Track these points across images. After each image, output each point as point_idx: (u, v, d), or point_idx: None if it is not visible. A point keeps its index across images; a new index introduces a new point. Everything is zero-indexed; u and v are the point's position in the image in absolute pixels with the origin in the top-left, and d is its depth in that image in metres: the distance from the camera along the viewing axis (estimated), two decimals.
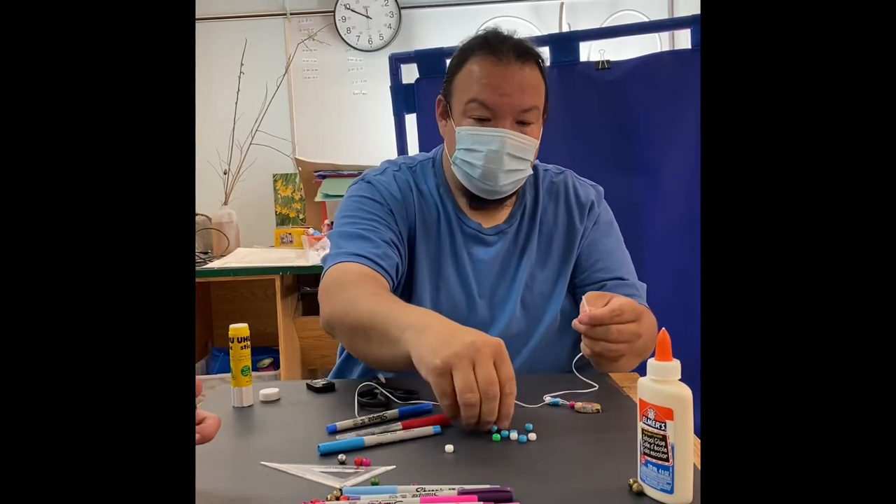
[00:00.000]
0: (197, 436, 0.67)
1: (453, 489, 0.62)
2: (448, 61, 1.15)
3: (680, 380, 0.60)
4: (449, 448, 0.73)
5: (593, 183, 1.24)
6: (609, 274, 1.14)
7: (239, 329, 0.92)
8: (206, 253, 2.73)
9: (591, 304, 0.91)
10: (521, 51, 1.07)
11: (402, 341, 0.84)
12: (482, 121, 1.07)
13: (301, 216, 3.15)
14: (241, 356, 0.91)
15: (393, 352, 0.86)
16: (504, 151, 1.06)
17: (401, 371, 0.90)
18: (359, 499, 0.61)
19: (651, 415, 0.60)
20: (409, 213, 1.13)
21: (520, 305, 1.12)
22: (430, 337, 0.80)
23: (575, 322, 0.92)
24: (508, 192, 1.12)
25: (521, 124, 1.08)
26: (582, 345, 0.93)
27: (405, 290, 1.13)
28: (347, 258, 1.04)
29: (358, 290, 0.98)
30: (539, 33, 3.07)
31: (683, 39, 2.97)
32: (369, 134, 3.20)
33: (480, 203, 1.14)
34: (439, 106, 1.17)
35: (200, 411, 0.70)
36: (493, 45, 1.07)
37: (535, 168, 1.21)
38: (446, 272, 1.13)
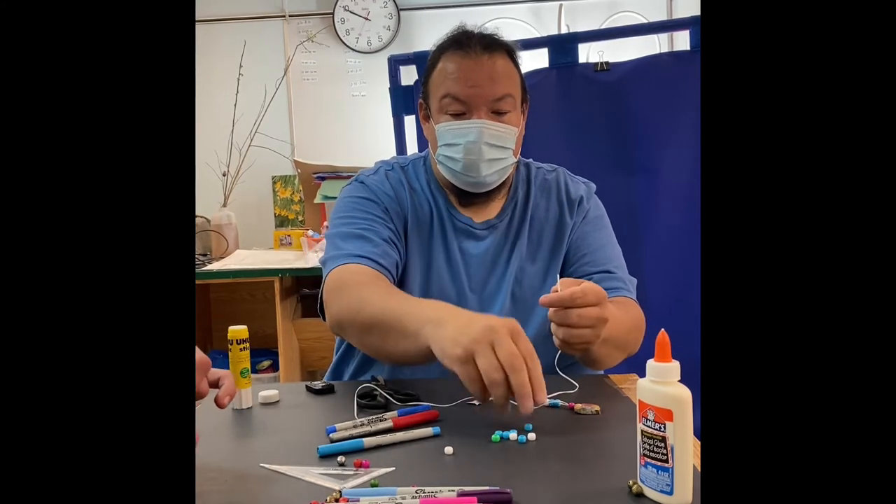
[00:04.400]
0: (226, 398, 0.78)
1: (453, 491, 0.62)
2: None
3: (679, 381, 0.60)
4: (448, 450, 0.73)
5: (585, 180, 1.25)
6: (596, 267, 1.14)
7: (238, 331, 0.92)
8: (205, 255, 2.73)
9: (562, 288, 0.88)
10: (487, 42, 1.11)
11: (422, 335, 0.85)
12: (458, 115, 1.10)
13: (300, 218, 3.14)
14: (240, 358, 0.91)
15: (412, 346, 0.87)
16: (482, 141, 1.08)
17: (418, 364, 0.91)
18: (358, 500, 0.61)
19: (650, 416, 0.60)
20: (402, 210, 1.15)
21: (510, 299, 1.13)
22: (448, 328, 0.81)
23: (541, 298, 0.88)
24: (493, 183, 1.13)
25: (498, 114, 1.10)
26: (553, 336, 0.90)
27: (398, 284, 1.13)
28: (349, 259, 1.05)
29: (367, 289, 0.99)
30: (538, 35, 3.07)
31: (682, 41, 2.97)
32: (368, 136, 3.20)
33: (469, 198, 1.15)
34: (421, 110, 1.19)
35: (216, 370, 0.79)
36: (460, 41, 1.11)
37: (528, 165, 1.23)
38: (437, 266, 1.14)
